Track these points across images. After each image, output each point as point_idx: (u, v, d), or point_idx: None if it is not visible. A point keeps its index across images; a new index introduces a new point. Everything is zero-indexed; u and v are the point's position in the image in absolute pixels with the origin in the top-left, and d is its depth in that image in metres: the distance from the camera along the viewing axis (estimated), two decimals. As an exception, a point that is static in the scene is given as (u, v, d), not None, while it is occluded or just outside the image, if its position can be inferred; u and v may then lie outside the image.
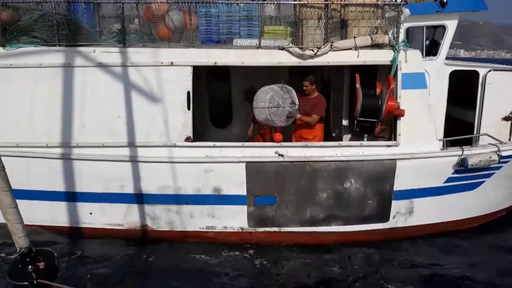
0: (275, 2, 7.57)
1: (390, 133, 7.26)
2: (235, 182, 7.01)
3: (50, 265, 3.76)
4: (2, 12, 6.94)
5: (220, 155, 6.96)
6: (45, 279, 3.62)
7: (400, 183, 7.10)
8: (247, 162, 6.93)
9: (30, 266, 3.68)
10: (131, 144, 6.90)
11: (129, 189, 7.05)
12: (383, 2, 6.84)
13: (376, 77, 7.53)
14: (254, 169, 6.97)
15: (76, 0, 7.02)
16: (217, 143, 7.04)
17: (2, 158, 3.45)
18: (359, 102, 6.87)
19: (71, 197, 7.11)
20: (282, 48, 6.90)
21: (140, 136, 6.90)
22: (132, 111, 6.89)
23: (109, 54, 6.87)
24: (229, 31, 7.42)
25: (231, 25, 7.42)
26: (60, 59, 6.87)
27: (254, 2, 7.14)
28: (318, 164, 7.00)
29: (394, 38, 6.91)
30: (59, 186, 7.06)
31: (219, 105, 9.83)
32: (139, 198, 7.12)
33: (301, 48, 6.87)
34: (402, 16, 6.87)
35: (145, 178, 7.00)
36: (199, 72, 9.03)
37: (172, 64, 6.86)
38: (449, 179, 7.33)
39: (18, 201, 3.51)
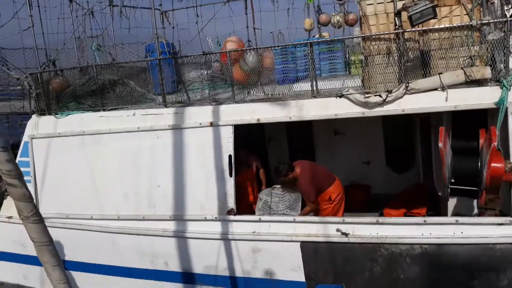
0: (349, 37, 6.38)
1: (503, 205, 5.06)
2: (290, 265, 5.62)
3: None
4: (53, 80, 6.86)
5: (268, 231, 5.66)
6: None
7: (523, 277, 4.85)
8: (302, 242, 5.49)
9: None
10: (171, 217, 6.07)
11: (173, 266, 6.21)
12: (480, 22, 4.83)
13: (487, 121, 5.40)
14: (312, 251, 5.49)
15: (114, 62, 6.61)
16: (263, 217, 5.77)
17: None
18: (445, 166, 4.88)
19: (114, 271, 6.56)
20: (341, 96, 5.37)
21: (179, 208, 6.03)
22: (171, 180, 6.07)
23: (147, 117, 6.21)
24: (308, 67, 6.33)
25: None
26: (101, 125, 6.46)
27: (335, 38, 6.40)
28: (398, 247, 5.17)
29: (500, 70, 4.82)
30: (102, 259, 6.59)
31: (300, 152, 8.47)
32: (184, 277, 6.22)
33: (366, 93, 5.24)
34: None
35: (187, 255, 6.08)
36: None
37: (211, 124, 5.87)
38: None
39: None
